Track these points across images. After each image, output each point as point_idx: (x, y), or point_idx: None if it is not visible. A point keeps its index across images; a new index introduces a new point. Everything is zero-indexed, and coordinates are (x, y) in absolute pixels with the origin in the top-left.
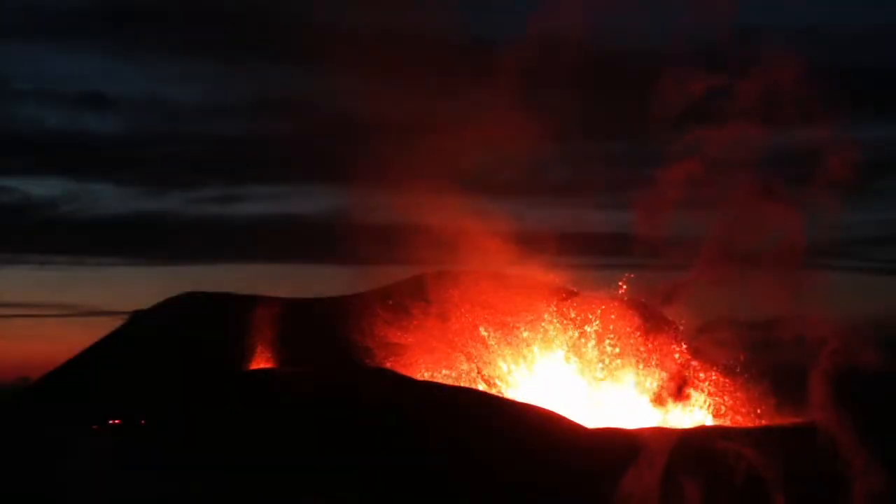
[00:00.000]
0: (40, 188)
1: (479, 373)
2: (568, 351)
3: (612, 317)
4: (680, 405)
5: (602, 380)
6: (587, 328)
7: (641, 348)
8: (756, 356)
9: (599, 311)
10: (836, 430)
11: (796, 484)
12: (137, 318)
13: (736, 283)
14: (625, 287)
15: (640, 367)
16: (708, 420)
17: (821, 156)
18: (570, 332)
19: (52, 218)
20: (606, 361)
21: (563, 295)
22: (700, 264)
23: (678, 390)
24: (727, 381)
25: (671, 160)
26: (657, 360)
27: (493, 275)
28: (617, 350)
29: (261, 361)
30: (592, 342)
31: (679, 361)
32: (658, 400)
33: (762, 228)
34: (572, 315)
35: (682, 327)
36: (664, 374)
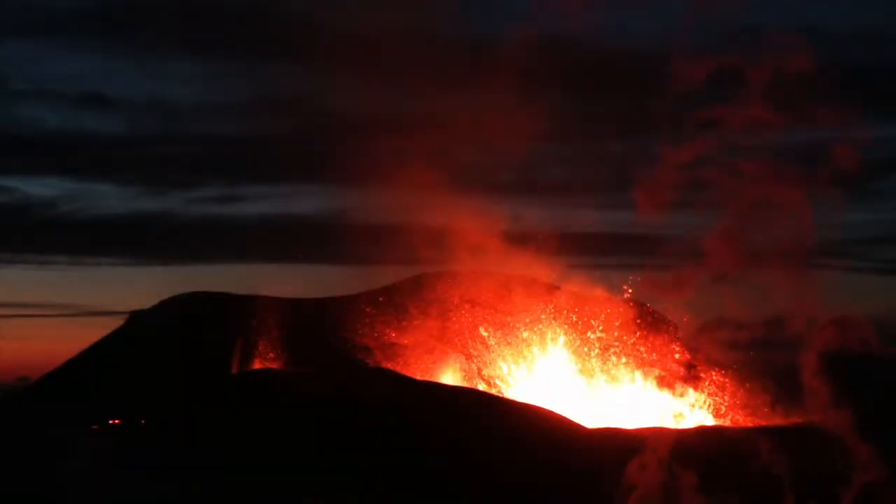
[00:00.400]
0: (40, 188)
1: (479, 373)
2: (569, 351)
3: (617, 323)
4: (689, 388)
5: (600, 378)
6: (590, 335)
7: (642, 348)
8: (756, 356)
9: (603, 316)
10: (835, 425)
11: (796, 482)
12: (136, 318)
13: (742, 277)
14: (630, 291)
15: (641, 366)
16: (708, 420)
17: (823, 154)
18: (571, 333)
19: (52, 218)
20: (609, 366)
21: (552, 290)
22: (709, 254)
23: (688, 372)
24: (727, 381)
25: (676, 143)
26: (658, 359)
27: (493, 275)
28: (623, 360)
29: (261, 361)
30: (595, 347)
31: (679, 360)
32: (665, 382)
33: (772, 216)
34: (573, 319)
35: (681, 327)
36: (671, 363)
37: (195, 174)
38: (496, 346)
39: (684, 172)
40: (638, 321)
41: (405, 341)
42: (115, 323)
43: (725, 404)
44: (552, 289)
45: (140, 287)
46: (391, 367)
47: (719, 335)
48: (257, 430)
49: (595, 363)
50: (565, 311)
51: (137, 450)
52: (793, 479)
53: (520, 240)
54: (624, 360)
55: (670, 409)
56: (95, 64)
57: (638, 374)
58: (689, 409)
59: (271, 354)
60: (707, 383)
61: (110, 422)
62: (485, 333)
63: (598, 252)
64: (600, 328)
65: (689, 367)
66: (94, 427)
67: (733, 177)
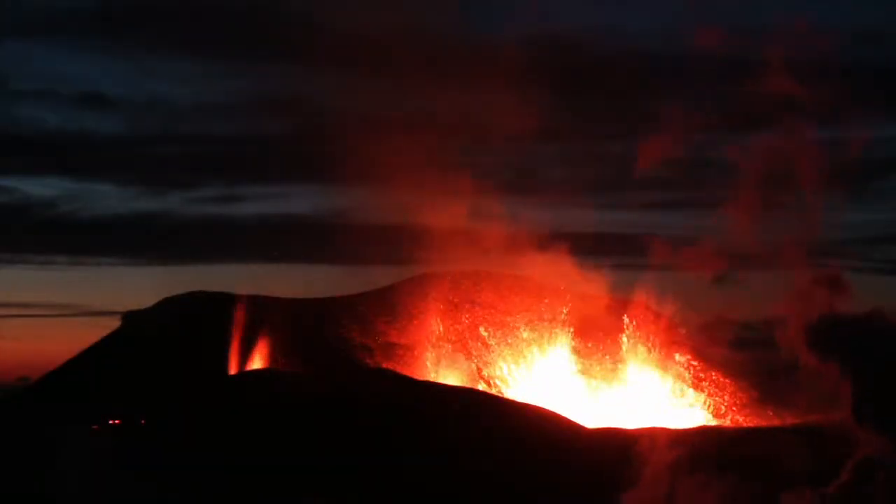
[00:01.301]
0: (40, 188)
1: (479, 373)
2: (569, 351)
3: (616, 323)
4: (689, 389)
5: (600, 377)
6: (590, 336)
7: (642, 347)
8: (756, 356)
9: (602, 315)
10: (835, 420)
11: (796, 480)
12: (130, 318)
13: (742, 277)
14: (631, 290)
15: (640, 364)
16: (708, 420)
17: (823, 153)
18: (571, 333)
19: (52, 218)
20: (609, 366)
21: (552, 290)
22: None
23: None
24: (727, 381)
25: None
26: (658, 358)
27: (493, 275)
28: (622, 359)
29: (261, 361)
30: (595, 346)
31: (679, 361)
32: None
33: (784, 198)
34: (573, 318)
35: (681, 327)
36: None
37: (195, 174)
38: (496, 346)
39: (690, 137)
40: (638, 320)
41: (405, 341)
42: (115, 323)
43: (725, 404)
44: (552, 289)
45: (140, 287)
46: (391, 367)
47: (719, 335)
48: (257, 430)
49: (595, 362)
50: (565, 311)
51: (137, 450)
52: (793, 478)
53: (519, 240)
54: (623, 359)
55: (672, 406)
56: (95, 64)
57: (637, 373)
58: (689, 409)
59: (272, 354)
60: (707, 383)
61: (110, 422)
62: (485, 333)
63: (597, 252)
64: (600, 328)
65: (690, 366)
66: (94, 427)
67: (747, 153)
